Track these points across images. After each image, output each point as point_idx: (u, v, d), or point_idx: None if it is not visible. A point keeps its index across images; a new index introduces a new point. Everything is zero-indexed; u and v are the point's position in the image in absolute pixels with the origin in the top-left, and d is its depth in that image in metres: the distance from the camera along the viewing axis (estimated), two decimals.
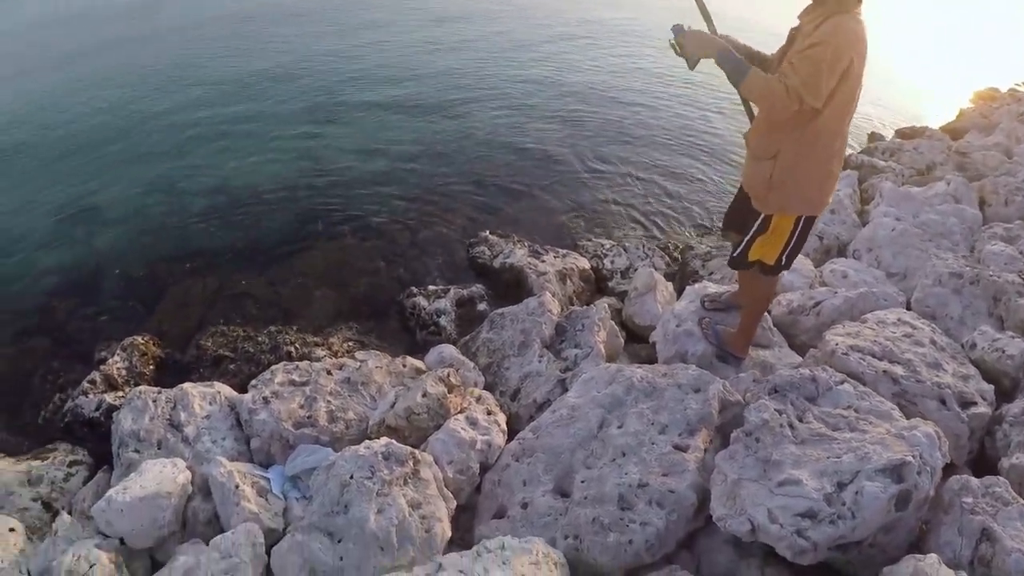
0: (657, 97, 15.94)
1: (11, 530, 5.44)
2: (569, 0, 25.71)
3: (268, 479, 5.53)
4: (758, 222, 5.02)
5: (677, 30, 4.60)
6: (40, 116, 17.46)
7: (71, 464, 6.63)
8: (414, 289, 8.51)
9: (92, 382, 7.46)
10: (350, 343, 7.91)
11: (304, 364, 6.73)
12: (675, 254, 9.55)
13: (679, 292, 7.66)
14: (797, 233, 4.96)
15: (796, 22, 4.36)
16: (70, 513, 5.82)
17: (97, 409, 7.07)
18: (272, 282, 9.22)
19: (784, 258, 5.14)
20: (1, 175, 14.16)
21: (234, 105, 16.02)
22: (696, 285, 7.10)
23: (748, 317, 5.96)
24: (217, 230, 10.67)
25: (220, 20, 24.33)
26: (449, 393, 5.90)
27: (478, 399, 6.18)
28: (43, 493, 6.27)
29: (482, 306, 8.37)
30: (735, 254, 5.39)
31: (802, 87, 3.93)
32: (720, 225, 10.41)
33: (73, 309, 9.39)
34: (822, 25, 3.96)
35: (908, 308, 6.67)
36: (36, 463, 6.62)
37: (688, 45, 4.49)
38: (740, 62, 4.27)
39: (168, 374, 7.78)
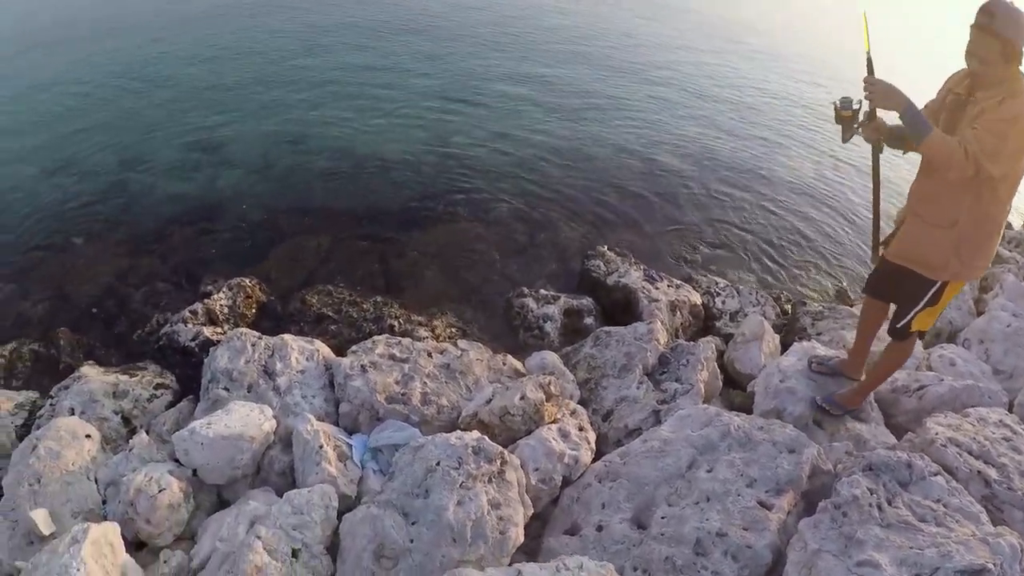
0: (798, 140, 15.35)
1: (87, 436, 5.46)
2: (721, 27, 25.17)
3: (351, 446, 5.41)
4: (931, 292, 4.89)
5: (845, 103, 4.68)
6: (189, 49, 18.09)
7: (157, 386, 6.63)
8: (525, 290, 8.33)
9: (193, 312, 7.48)
10: (453, 329, 7.77)
11: (406, 341, 6.61)
12: (786, 306, 9.17)
13: (784, 346, 7.44)
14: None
15: (941, 84, 4.73)
16: (147, 433, 5.78)
17: (193, 339, 7.07)
18: (385, 252, 9.15)
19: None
20: (141, 97, 14.66)
21: (373, 70, 16.23)
22: (804, 343, 6.82)
23: (876, 379, 5.81)
24: (338, 190, 10.71)
25: None
26: (546, 401, 5.71)
27: (572, 412, 5.99)
28: (125, 408, 6.28)
29: (588, 320, 8.16)
30: (898, 325, 5.20)
31: (983, 155, 4.07)
32: (837, 287, 10.14)
33: (188, 238, 9.53)
34: (1005, 103, 4.14)
35: (1010, 410, 6.30)
36: (124, 378, 6.66)
37: (876, 95, 4.43)
38: (924, 119, 4.30)
39: (268, 321, 7.79)
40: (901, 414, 6.34)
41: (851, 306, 8.97)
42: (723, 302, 8.75)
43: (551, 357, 6.89)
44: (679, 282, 8.76)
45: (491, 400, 5.69)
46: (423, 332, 7.41)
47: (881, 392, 6.42)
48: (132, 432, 5.97)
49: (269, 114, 13.51)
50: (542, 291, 8.34)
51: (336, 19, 20.98)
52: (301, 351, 6.26)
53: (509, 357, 6.82)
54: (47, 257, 9.47)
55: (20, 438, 6.21)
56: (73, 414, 6.03)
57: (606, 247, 9.51)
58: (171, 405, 6.45)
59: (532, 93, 15.36)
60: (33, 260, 9.46)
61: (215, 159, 11.75)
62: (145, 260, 9.14)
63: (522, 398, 5.58)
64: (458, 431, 5.15)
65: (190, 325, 7.23)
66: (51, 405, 6.39)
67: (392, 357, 6.30)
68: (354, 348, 6.39)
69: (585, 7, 24.96)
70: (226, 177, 11.10)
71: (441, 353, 6.54)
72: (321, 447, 5.07)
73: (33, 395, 6.79)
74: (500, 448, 4.97)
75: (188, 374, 6.83)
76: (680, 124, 14.94)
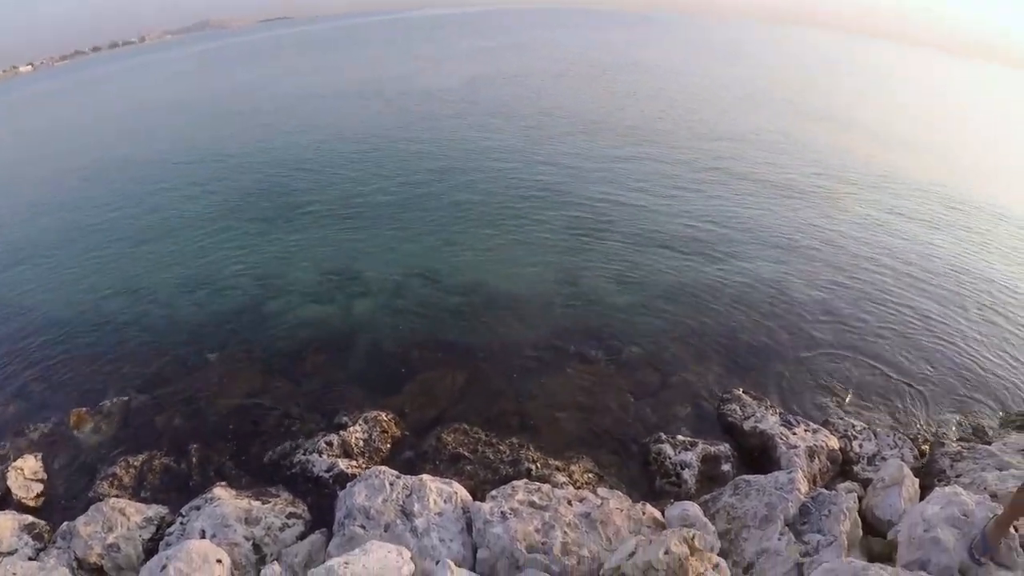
0: (934, 268, 14.71)
1: (218, 561, 5.41)
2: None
3: None
4: None
5: None
6: (326, 173, 19.07)
7: (289, 515, 6.55)
8: (662, 435, 8.07)
9: (329, 443, 7.46)
10: (590, 474, 7.51)
11: (545, 487, 6.41)
12: (923, 447, 8.61)
13: (924, 489, 7.07)
14: None
15: None
16: (279, 563, 5.67)
17: (328, 471, 7.02)
18: (519, 392, 9.04)
19: None
20: (279, 225, 15.33)
21: (507, 209, 16.53)
22: (946, 489, 6.38)
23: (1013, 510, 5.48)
24: (470, 326, 10.75)
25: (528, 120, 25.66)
26: (690, 555, 5.38)
27: (715, 567, 5.63)
28: (257, 535, 6.21)
29: (726, 467, 7.83)
30: None
31: None
32: (975, 424, 9.57)
33: (322, 364, 9.65)
34: None
35: None
36: (256, 503, 6.62)
37: None
38: None
39: (403, 457, 7.72)
40: None
41: (989, 444, 8.40)
42: (860, 445, 8.33)
43: (693, 509, 6.57)
44: (816, 426, 8.42)
45: (634, 553, 5.43)
46: (560, 477, 7.19)
47: None
48: (262, 560, 5.87)
49: (402, 244, 13.90)
50: (679, 436, 8.07)
51: (469, 144, 21.82)
52: (439, 493, 6.12)
53: (648, 506, 6.54)
54: (182, 371, 9.77)
55: (147, 552, 6.21)
56: (204, 536, 6.00)
57: (741, 390, 9.25)
58: (302, 536, 6.36)
59: (662, 230, 15.33)
60: (169, 373, 9.76)
61: (349, 287, 12.03)
62: (279, 383, 9.27)
63: (666, 552, 5.32)
64: None
65: (325, 456, 7.21)
66: (181, 524, 6.39)
67: (532, 504, 6.09)
68: (493, 493, 6.23)
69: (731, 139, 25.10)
70: (360, 306, 11.31)
71: (581, 501, 6.30)
72: None
73: (163, 510, 6.83)
74: None
75: (321, 504, 6.77)
76: (812, 256, 14.58)
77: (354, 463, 7.17)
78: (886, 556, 6.12)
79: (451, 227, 15.00)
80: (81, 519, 6.53)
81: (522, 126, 26.49)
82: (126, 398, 9.08)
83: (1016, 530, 5.98)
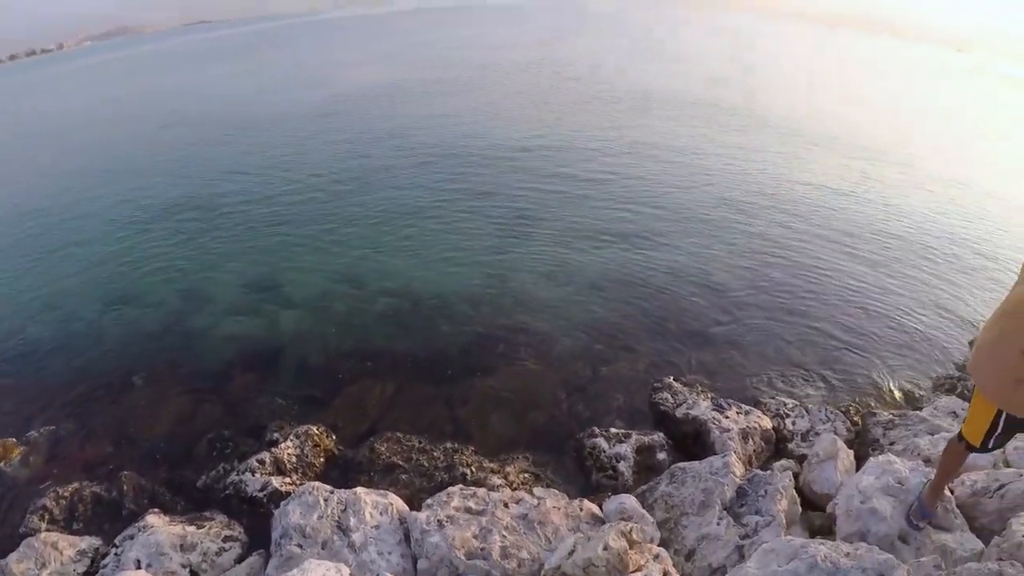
0: (846, 247, 15.09)
1: None
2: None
3: None
4: None
5: None
6: (247, 187, 18.79)
7: (225, 539, 6.50)
8: (596, 429, 8.16)
9: (261, 462, 7.40)
10: (526, 475, 7.58)
11: (481, 492, 6.46)
12: (856, 418, 8.87)
13: (859, 459, 7.30)
14: None
15: None
16: None
17: (262, 490, 6.97)
18: (450, 397, 9.05)
19: None
20: (200, 233, 15.11)
21: (426, 205, 16.62)
22: (880, 458, 6.58)
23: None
24: (399, 331, 10.72)
25: (441, 125, 25.73)
26: (630, 548, 5.49)
27: (656, 557, 5.74)
28: (194, 562, 6.16)
29: (661, 456, 7.96)
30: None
31: None
32: (904, 389, 9.89)
33: (251, 381, 9.54)
34: None
35: None
36: (191, 528, 6.55)
37: None
38: None
39: (337, 470, 7.68)
40: (984, 516, 6.09)
41: (920, 409, 8.72)
42: (793, 423, 8.52)
43: (630, 501, 6.67)
44: (748, 407, 8.58)
45: (573, 552, 5.48)
46: (496, 479, 7.24)
47: (961, 497, 6.22)
48: None
49: (326, 253, 13.80)
50: (612, 429, 8.17)
51: (388, 156, 21.67)
52: (375, 505, 6.13)
53: (586, 502, 6.64)
54: (109, 396, 9.56)
55: None
56: (140, 567, 5.93)
57: (671, 378, 9.39)
58: (240, 559, 6.32)
59: (586, 221, 15.46)
60: (95, 398, 9.54)
61: (275, 298, 11.91)
62: (208, 403, 9.15)
63: (605, 548, 5.36)
64: None
65: (258, 475, 7.15)
66: (116, 555, 6.30)
67: (468, 510, 6.14)
68: (429, 501, 6.25)
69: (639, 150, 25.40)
70: (286, 318, 11.20)
71: (517, 503, 6.36)
72: None
73: (96, 541, 6.71)
74: None
75: (257, 525, 6.70)
76: (740, 240, 14.82)
77: (288, 480, 7.12)
78: (827, 530, 6.29)
79: (375, 231, 14.92)
80: (13, 556, 6.36)
81: (444, 124, 26.47)
82: (53, 427, 8.83)
83: (951, 491, 6.19)
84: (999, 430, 4.79)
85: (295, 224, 15.64)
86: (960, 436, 5.10)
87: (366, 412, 8.72)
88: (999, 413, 4.74)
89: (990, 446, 4.95)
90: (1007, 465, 6.79)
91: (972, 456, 5.84)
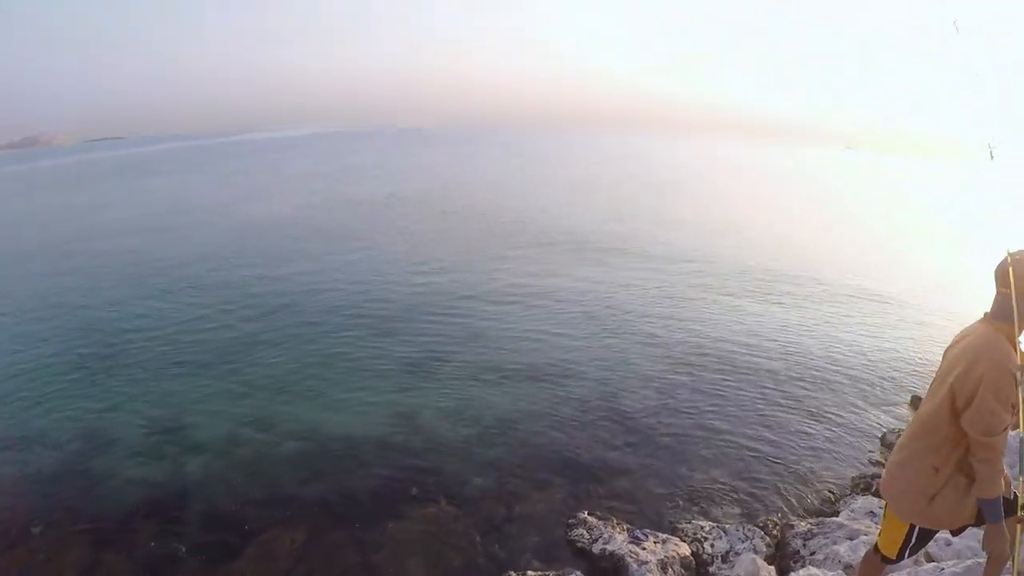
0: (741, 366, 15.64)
1: None
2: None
3: None
4: None
5: None
6: (150, 319, 18.50)
7: None
8: (512, 573, 8.12)
9: None
10: None
11: None
12: (774, 531, 9.08)
13: (780, 573, 7.50)
14: None
15: None
16: None
17: None
18: (362, 543, 8.91)
19: None
20: (107, 375, 14.71)
21: (335, 346, 16.57)
22: (801, 572, 6.76)
23: None
24: (308, 476, 10.56)
25: (348, 268, 25.84)
26: None
27: None
28: None
29: None
30: None
31: None
32: (821, 496, 10.22)
33: (155, 531, 9.20)
34: None
35: None
36: None
37: None
38: None
39: None
40: None
41: (837, 514, 9.00)
42: (712, 545, 8.69)
43: None
44: (665, 536, 8.72)
45: None
46: None
47: None
48: None
49: (231, 392, 13.63)
50: (529, 572, 8.14)
51: (294, 292, 21.71)
52: None
53: None
54: (4, 547, 9.05)
55: None
56: None
57: (586, 512, 9.50)
58: None
59: (494, 360, 15.69)
60: None
61: (179, 440, 11.66)
62: (111, 554, 8.80)
63: None
64: None
65: None
66: None
67: None
68: None
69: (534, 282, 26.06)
70: (192, 462, 10.95)
71: None
72: None
73: None
74: None
75: None
76: (643, 369, 15.28)
77: None
78: None
79: (282, 370, 14.86)
80: None
81: (351, 259, 26.97)
82: None
83: None
84: (913, 541, 4.98)
85: (200, 362, 15.42)
86: (876, 548, 5.27)
87: (277, 562, 8.47)
88: (912, 527, 4.93)
89: (906, 556, 5.13)
90: (928, 559, 7.02)
91: None
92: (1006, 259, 4.29)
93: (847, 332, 18.30)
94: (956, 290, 24.19)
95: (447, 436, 11.92)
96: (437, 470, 10.76)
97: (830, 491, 10.33)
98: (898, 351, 16.96)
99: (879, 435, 12.08)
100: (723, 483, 10.61)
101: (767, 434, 11.95)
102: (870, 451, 11.44)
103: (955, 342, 4.51)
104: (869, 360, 16.10)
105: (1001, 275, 4.24)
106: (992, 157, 4.69)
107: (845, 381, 14.66)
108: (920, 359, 16.37)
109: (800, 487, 10.52)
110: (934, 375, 4.56)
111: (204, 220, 37.15)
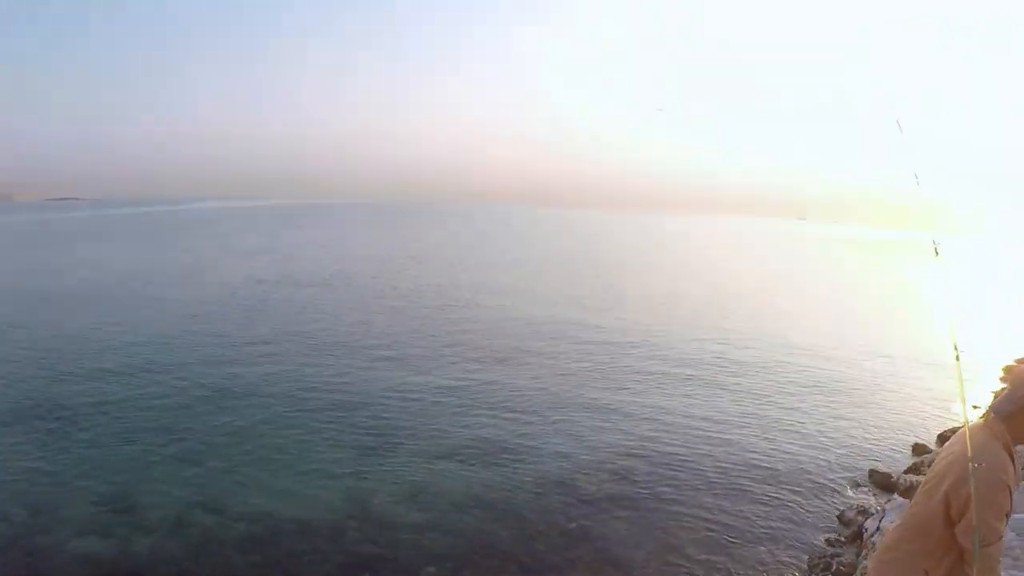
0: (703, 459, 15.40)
1: None
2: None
3: None
4: None
5: None
6: (97, 395, 18.19)
7: None
8: None
9: None
10: None
11: None
12: None
13: None
14: None
15: None
16: None
17: None
18: None
19: None
20: (56, 447, 14.45)
21: (290, 420, 16.52)
22: None
23: None
24: (258, 564, 10.33)
25: (305, 340, 25.88)
26: None
27: None
28: None
29: None
30: None
31: None
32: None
33: None
34: None
35: None
36: None
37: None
38: None
39: None
40: None
41: None
42: None
43: None
44: None
45: None
46: None
47: None
48: None
49: (183, 470, 13.43)
50: None
51: (248, 362, 21.65)
52: None
53: None
54: None
55: None
56: None
57: None
58: None
59: (449, 443, 15.53)
60: None
61: (128, 519, 11.45)
62: None
63: None
64: None
65: None
66: None
67: None
68: None
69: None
70: (139, 543, 10.73)
71: None
72: None
73: None
74: None
75: None
76: (605, 455, 15.12)
77: None
78: None
79: (235, 444, 14.72)
80: None
81: (300, 331, 27.19)
82: None
83: None
84: None
85: (150, 434, 15.25)
86: None
87: None
88: None
89: None
90: None
91: None
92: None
93: (794, 416, 18.46)
94: (898, 365, 25.24)
95: (402, 521, 11.75)
96: (392, 559, 10.60)
97: (795, 567, 10.37)
98: (846, 430, 17.18)
99: (836, 514, 12.07)
100: (686, 550, 10.66)
101: (728, 504, 12.05)
102: (828, 531, 11.49)
103: (954, 441, 4.49)
104: (819, 442, 16.25)
105: (1015, 378, 4.31)
106: (937, 253, 4.88)
107: (797, 461, 14.75)
108: (866, 436, 16.76)
109: (763, 556, 10.58)
110: (924, 477, 4.60)
111: (153, 294, 36.73)
